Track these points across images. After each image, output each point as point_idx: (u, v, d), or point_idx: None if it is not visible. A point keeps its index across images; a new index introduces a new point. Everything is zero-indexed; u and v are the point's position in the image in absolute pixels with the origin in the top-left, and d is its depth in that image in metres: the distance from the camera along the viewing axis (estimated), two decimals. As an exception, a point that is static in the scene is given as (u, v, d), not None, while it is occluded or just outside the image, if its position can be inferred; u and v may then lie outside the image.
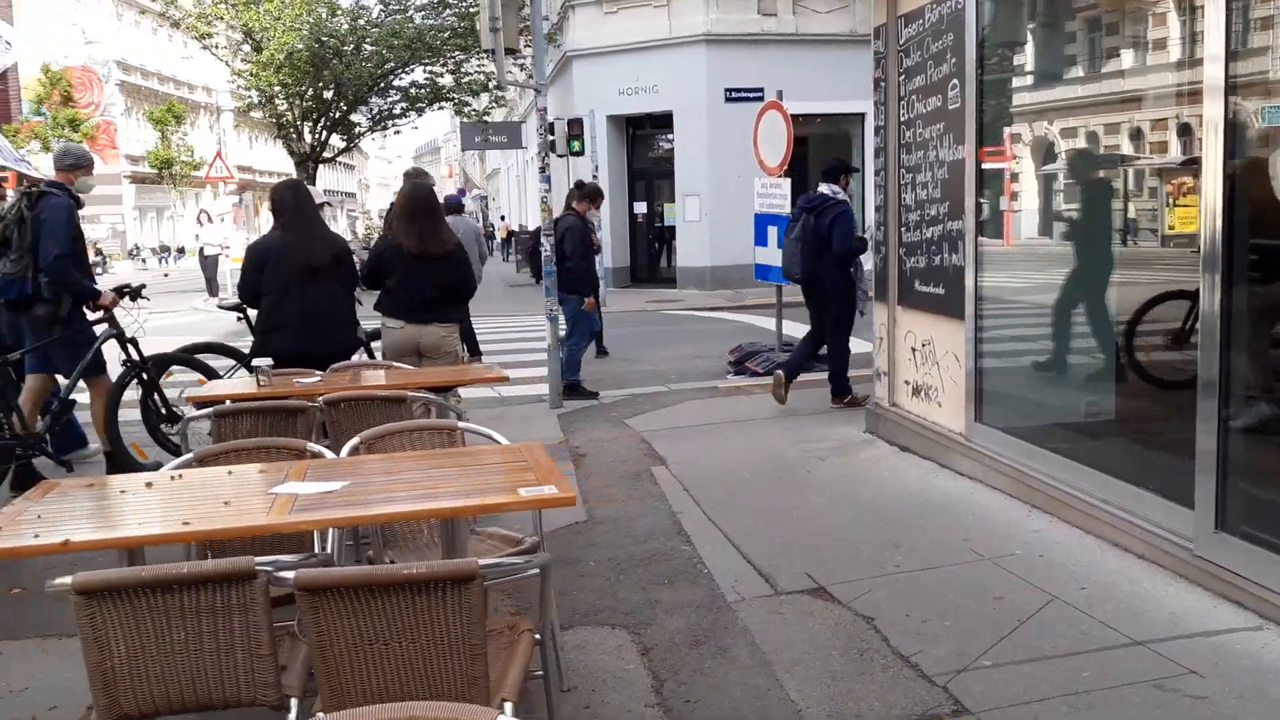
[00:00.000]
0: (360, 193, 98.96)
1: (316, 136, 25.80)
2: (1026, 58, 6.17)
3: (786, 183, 11.11)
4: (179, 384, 7.71)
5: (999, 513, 5.34)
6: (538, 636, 2.71)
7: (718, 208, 21.11)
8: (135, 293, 7.20)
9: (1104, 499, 4.85)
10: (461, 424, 3.98)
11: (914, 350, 6.77)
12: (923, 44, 6.33)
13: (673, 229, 23.04)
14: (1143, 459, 4.99)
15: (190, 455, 3.56)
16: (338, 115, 25.64)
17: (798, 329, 13.98)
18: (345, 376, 5.53)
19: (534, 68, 9.41)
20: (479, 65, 24.79)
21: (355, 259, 6.66)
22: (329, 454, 3.61)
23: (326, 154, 27.06)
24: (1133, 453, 5.11)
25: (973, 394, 6.07)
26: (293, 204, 6.12)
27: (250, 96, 25.39)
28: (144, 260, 51.06)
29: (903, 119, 6.71)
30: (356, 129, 27.68)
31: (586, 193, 10.35)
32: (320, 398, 4.68)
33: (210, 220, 25.51)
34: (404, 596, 2.26)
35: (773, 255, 11.28)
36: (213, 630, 2.35)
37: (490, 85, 24.76)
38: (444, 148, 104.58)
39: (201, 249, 25.02)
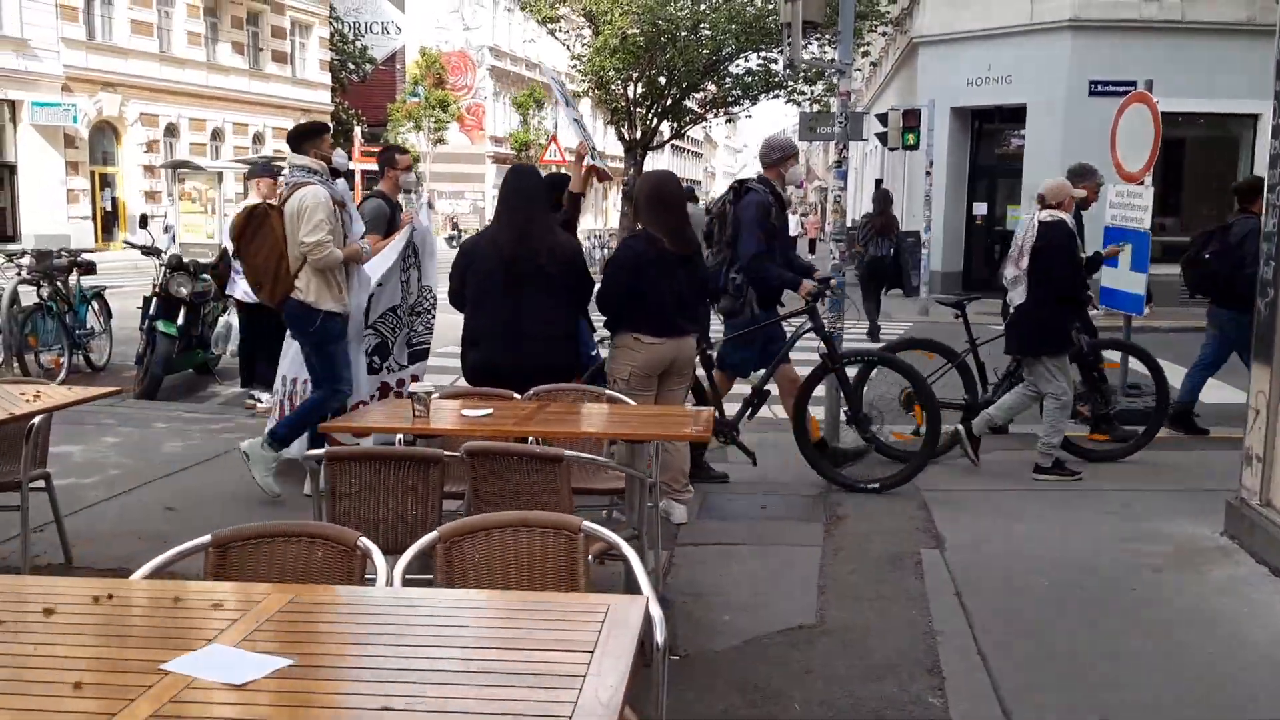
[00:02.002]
0: (705, 180, 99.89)
1: (647, 124, 25.46)
2: None
3: (1148, 193, 9.08)
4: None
5: None
6: None
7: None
8: None
9: None
10: (588, 524, 2.81)
11: (1306, 436, 4.88)
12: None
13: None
14: None
15: (206, 539, 2.63)
16: (669, 102, 25.16)
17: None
18: (533, 408, 4.50)
19: (840, 47, 8.03)
20: (818, 51, 23.48)
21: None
22: (380, 564, 2.55)
23: (655, 141, 26.69)
24: None
25: (1395, 516, 4.17)
26: (508, 194, 5.22)
27: (587, 81, 25.44)
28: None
29: (1317, 116, 4.82)
30: (687, 117, 27.12)
31: (1245, 188, 8.32)
32: (463, 447, 3.71)
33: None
34: None
35: (1125, 278, 9.28)
36: None
37: (826, 73, 23.40)
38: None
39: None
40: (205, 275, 9.36)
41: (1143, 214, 8.99)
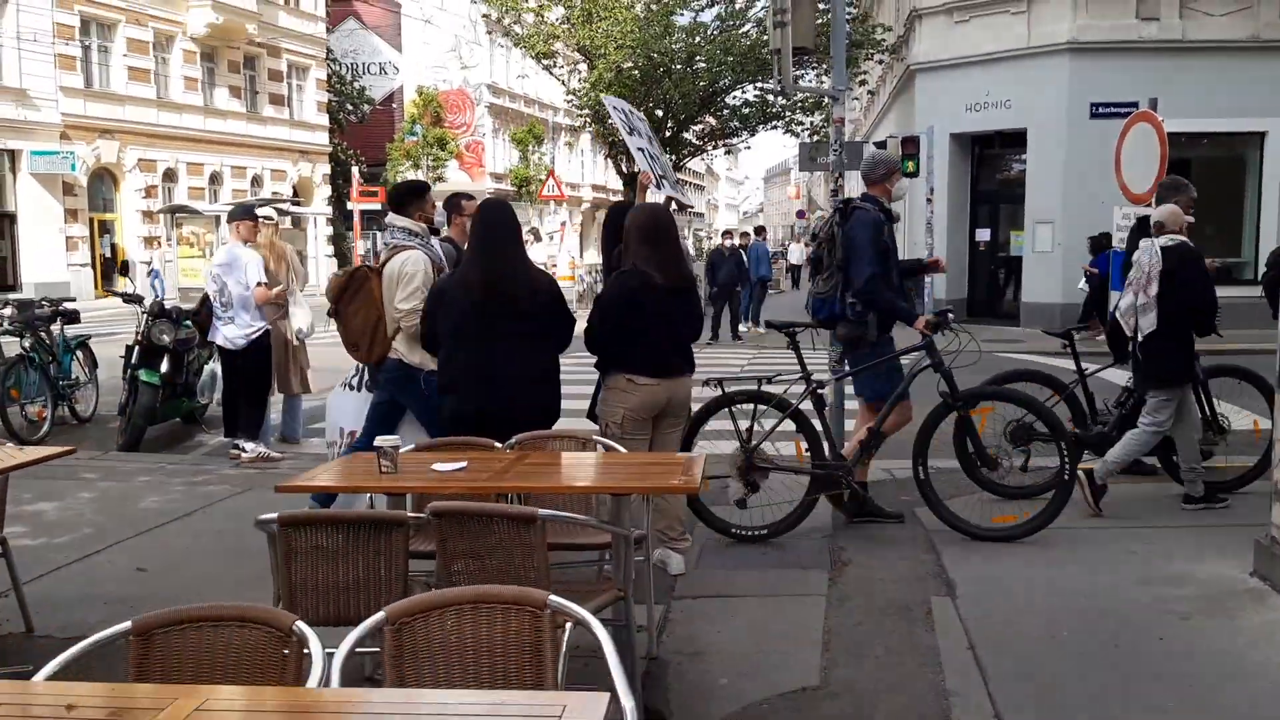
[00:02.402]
0: (708, 213, 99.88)
1: (645, 156, 25.34)
2: None
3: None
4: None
5: None
6: None
7: (1073, 237, 18.32)
8: None
9: None
10: (554, 599, 2.52)
11: (1338, 470, 4.58)
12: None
13: (1018, 259, 20.44)
14: None
15: (125, 626, 2.36)
16: (667, 135, 25.03)
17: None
18: (511, 460, 4.22)
19: (833, 73, 7.82)
20: (815, 80, 23.35)
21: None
22: (316, 655, 2.26)
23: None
24: None
25: None
26: (478, 229, 4.96)
27: (584, 115, 25.34)
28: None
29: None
30: (686, 149, 26.99)
31: None
32: (428, 508, 3.43)
33: (539, 239, 25.80)
34: None
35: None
36: None
37: (824, 102, 23.26)
38: (794, 168, 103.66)
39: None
40: (188, 322, 9.12)
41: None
